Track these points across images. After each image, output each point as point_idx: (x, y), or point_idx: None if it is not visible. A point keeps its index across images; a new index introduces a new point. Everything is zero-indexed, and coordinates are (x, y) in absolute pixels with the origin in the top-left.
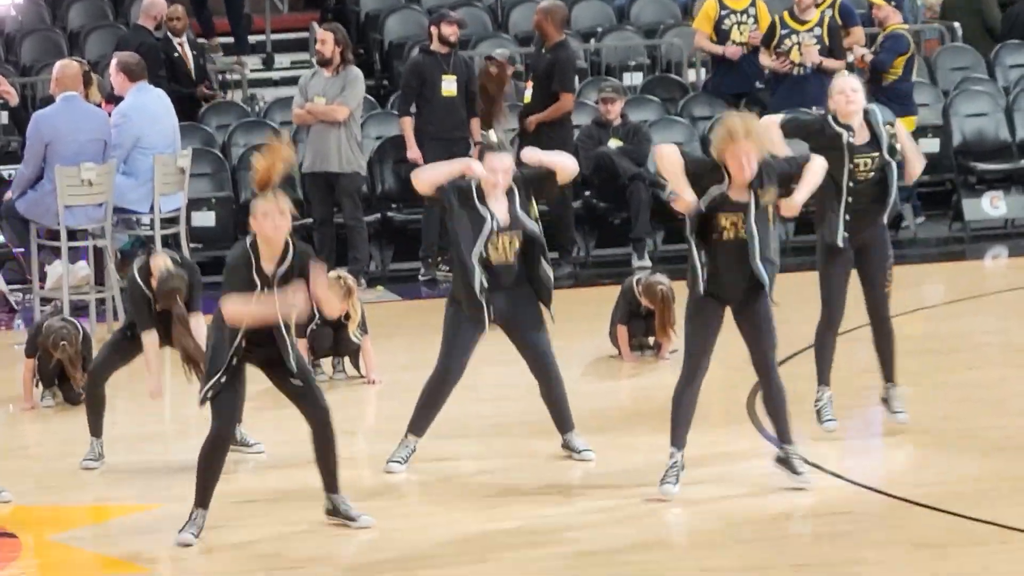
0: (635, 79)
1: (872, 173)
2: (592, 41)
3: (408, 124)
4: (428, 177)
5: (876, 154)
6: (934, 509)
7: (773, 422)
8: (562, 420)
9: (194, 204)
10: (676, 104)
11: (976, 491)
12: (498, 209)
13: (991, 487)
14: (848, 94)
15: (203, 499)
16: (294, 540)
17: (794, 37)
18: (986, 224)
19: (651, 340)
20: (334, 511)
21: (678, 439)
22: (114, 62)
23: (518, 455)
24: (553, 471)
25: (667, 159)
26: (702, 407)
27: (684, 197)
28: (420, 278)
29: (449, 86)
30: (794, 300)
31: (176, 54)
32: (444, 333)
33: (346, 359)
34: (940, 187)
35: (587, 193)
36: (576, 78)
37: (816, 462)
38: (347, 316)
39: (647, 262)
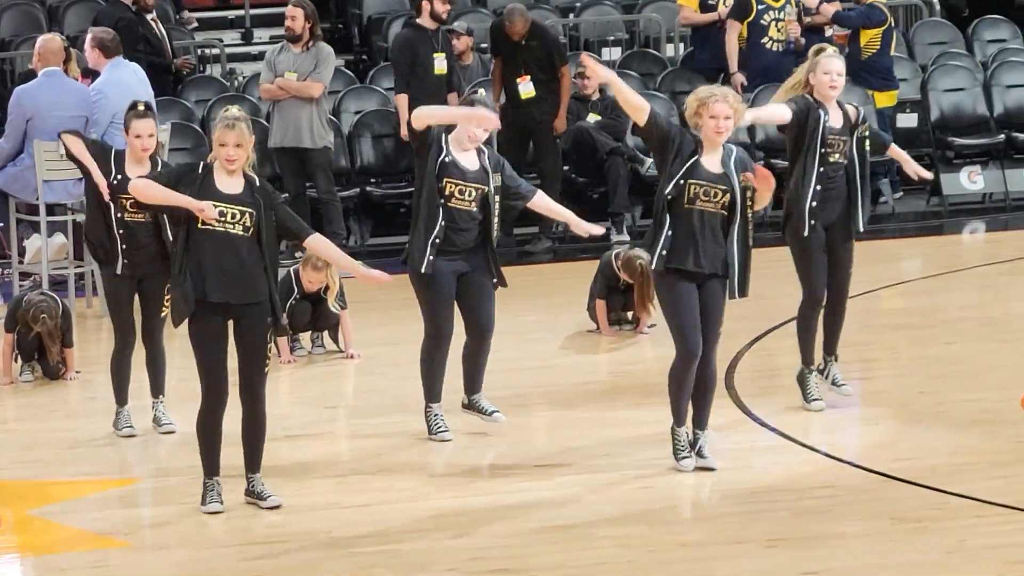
0: (614, 54)
1: (842, 158)
2: (571, 16)
3: (404, 101)
4: (428, 114)
5: (846, 138)
6: (911, 483)
7: (696, 407)
8: (475, 381)
9: None
10: (655, 79)
11: (952, 465)
12: (466, 160)
13: (967, 461)
14: (834, 78)
15: (210, 468)
16: (270, 515)
17: (771, 13)
18: (964, 199)
19: (629, 314)
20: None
21: (681, 417)
22: (89, 37)
23: (495, 430)
24: (530, 446)
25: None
26: None
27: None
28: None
29: (441, 64)
30: (769, 275)
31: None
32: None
33: (325, 333)
34: (918, 162)
35: (565, 168)
36: None
37: (793, 436)
38: (326, 289)
39: (625, 236)
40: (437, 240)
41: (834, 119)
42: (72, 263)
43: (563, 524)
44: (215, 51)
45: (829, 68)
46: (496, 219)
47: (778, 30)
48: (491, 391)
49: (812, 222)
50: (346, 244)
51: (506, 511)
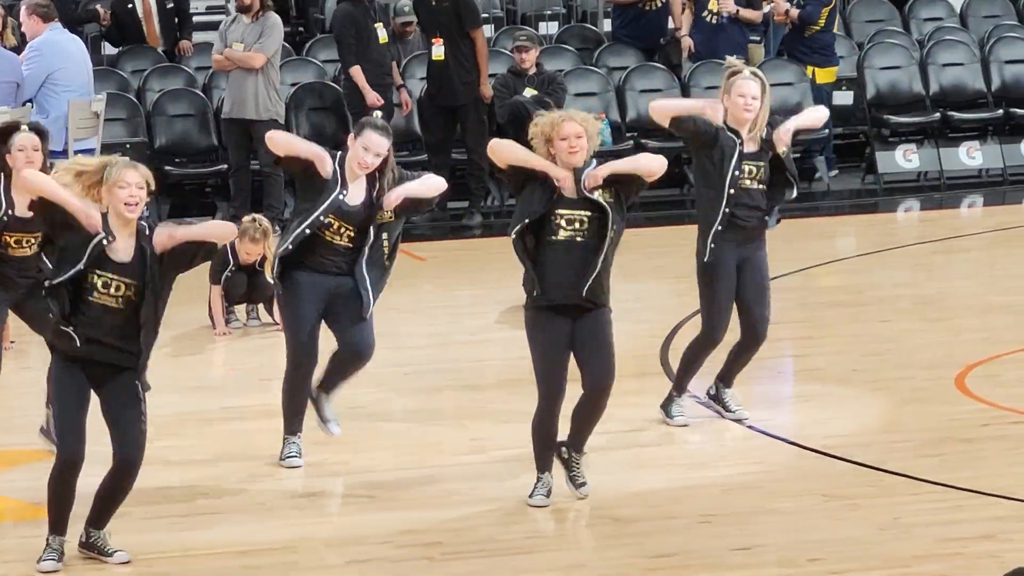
0: (550, 28)
1: (756, 184)
2: None
3: (359, 72)
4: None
5: (762, 163)
6: (844, 460)
7: (577, 429)
8: None
9: (108, 149)
10: (591, 54)
11: (885, 442)
12: (353, 192)
13: (900, 438)
14: (748, 101)
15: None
16: (205, 484)
17: None
18: (899, 177)
19: None
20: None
21: (545, 464)
22: (24, 6)
23: (430, 404)
24: (465, 420)
25: (502, 152)
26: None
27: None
28: None
29: (382, 33)
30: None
31: (130, 5)
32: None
33: (260, 306)
34: (854, 139)
35: None
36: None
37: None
38: (262, 261)
39: None
40: None
41: (747, 145)
42: None
43: (496, 497)
44: None
45: (743, 91)
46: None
47: (718, 2)
48: (425, 365)
49: (712, 245)
50: (281, 217)
51: (440, 484)
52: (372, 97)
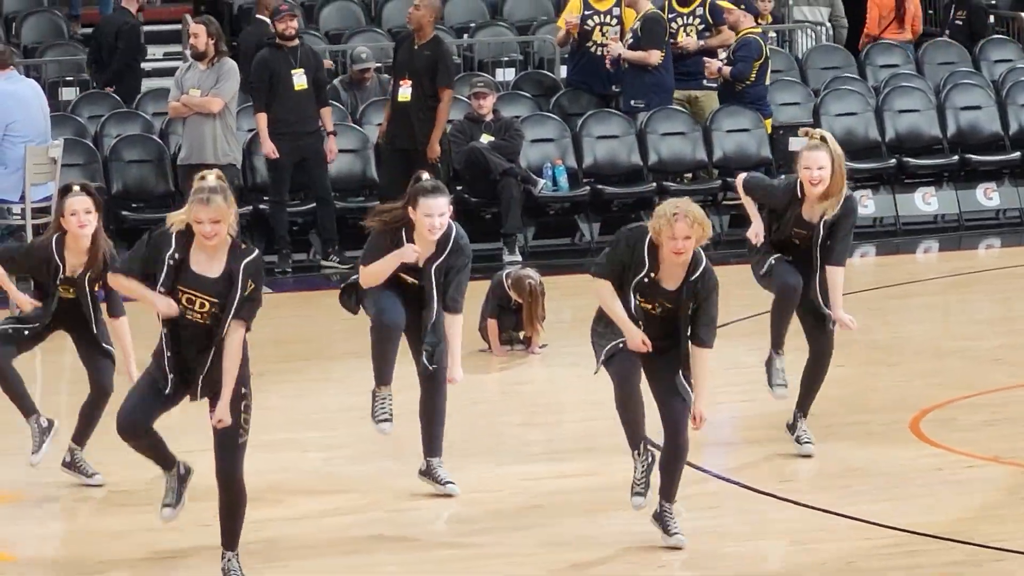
0: (507, 75)
1: (807, 246)
2: (465, 36)
3: (263, 120)
4: (375, 276)
5: (810, 234)
6: (798, 504)
7: (664, 477)
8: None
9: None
10: (548, 100)
11: (839, 487)
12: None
13: (854, 483)
14: (813, 172)
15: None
16: (163, 531)
17: (596, 18)
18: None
19: (521, 334)
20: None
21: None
22: None
23: (383, 442)
24: (416, 463)
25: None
26: (573, 398)
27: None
28: (275, 271)
29: (300, 80)
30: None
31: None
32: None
33: None
34: None
35: (459, 188)
36: None
37: None
38: None
39: (517, 257)
40: None
41: (810, 210)
42: None
43: (444, 542)
44: None
45: (808, 162)
46: None
47: (603, 34)
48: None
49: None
50: None
51: (401, 528)
52: (267, 148)
